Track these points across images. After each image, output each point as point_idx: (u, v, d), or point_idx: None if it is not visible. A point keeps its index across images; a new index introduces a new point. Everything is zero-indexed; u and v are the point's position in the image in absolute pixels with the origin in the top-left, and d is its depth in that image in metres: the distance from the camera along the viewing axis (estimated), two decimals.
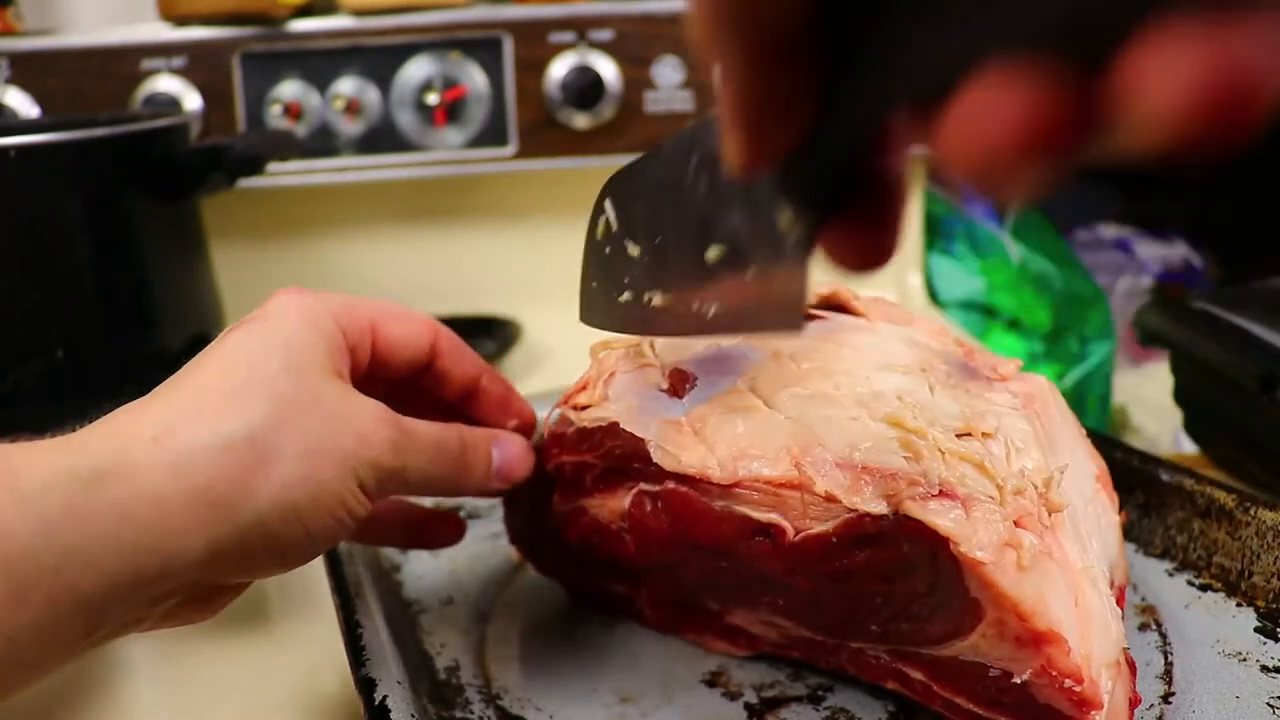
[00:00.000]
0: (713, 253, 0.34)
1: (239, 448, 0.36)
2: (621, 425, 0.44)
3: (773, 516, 0.41)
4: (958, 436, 0.40)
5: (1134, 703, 0.40)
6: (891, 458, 0.39)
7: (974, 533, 0.37)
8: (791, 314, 0.31)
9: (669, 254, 0.37)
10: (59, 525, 0.32)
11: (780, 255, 0.30)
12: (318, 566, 0.64)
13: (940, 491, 0.38)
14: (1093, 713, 0.37)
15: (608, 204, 0.41)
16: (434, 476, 0.42)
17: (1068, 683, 0.37)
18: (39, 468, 0.33)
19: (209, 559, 0.35)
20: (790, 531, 0.40)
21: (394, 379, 0.46)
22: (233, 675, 0.54)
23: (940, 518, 0.37)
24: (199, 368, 0.39)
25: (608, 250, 0.41)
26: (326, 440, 0.38)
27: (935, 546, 0.38)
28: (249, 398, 0.37)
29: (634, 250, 0.40)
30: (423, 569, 0.57)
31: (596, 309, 0.43)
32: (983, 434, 0.41)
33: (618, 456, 0.45)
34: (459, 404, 0.48)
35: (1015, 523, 0.38)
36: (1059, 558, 0.39)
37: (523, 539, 0.53)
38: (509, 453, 0.46)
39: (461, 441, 0.44)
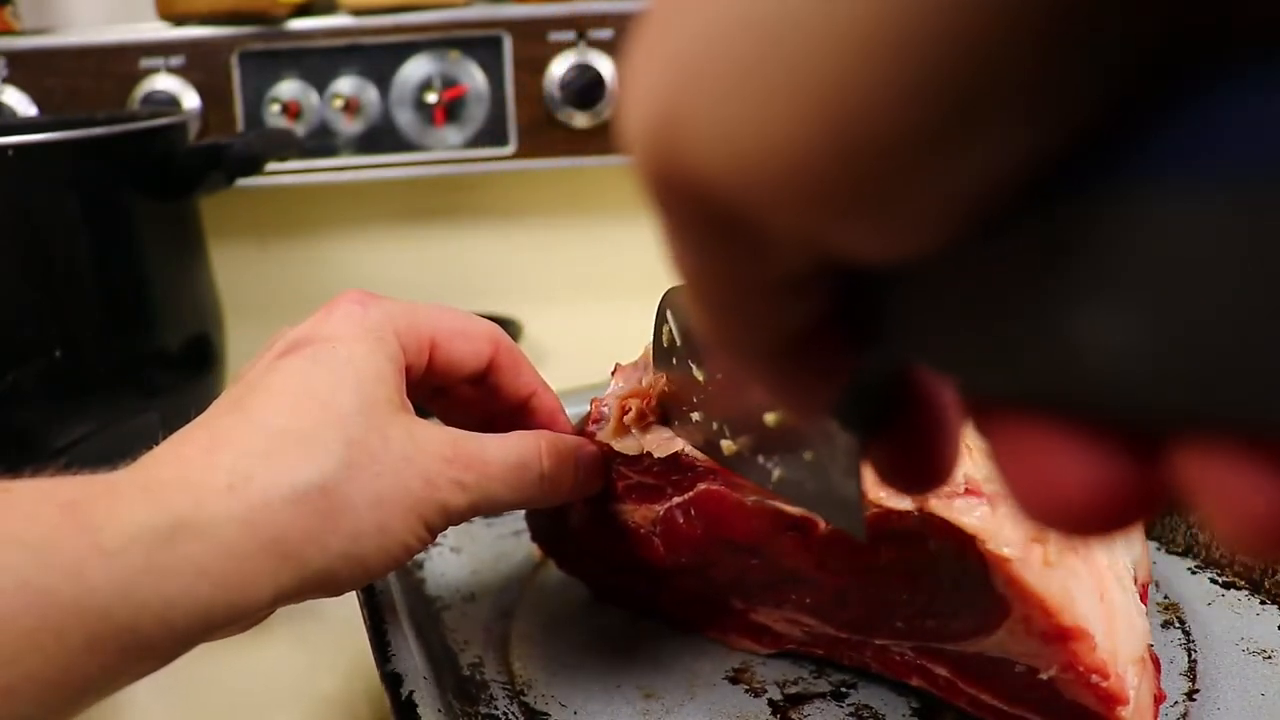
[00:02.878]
0: (770, 418, 0.31)
1: (313, 499, 0.35)
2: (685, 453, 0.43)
3: (803, 511, 0.41)
4: None
5: (1159, 699, 0.40)
6: None
7: (1000, 529, 0.37)
8: (851, 516, 0.27)
9: (728, 398, 0.35)
10: (139, 583, 0.32)
11: (833, 450, 0.27)
12: None
13: (966, 490, 0.38)
14: (1119, 708, 0.37)
15: (669, 315, 0.40)
16: (513, 502, 0.42)
17: (1094, 678, 0.37)
18: (120, 522, 0.32)
19: (273, 604, 0.35)
20: (820, 525, 0.40)
21: (446, 389, 0.45)
22: (232, 676, 0.54)
23: (966, 515, 0.37)
24: (269, 401, 0.37)
25: (674, 361, 0.40)
26: (396, 488, 0.37)
27: (961, 543, 0.38)
28: (322, 443, 0.36)
29: (699, 374, 0.38)
30: (445, 566, 0.57)
31: (673, 411, 0.43)
32: None
33: (656, 474, 0.44)
34: (506, 416, 0.46)
35: None
36: (1084, 554, 0.39)
37: (545, 537, 0.53)
38: (592, 464, 0.45)
39: (552, 457, 0.42)
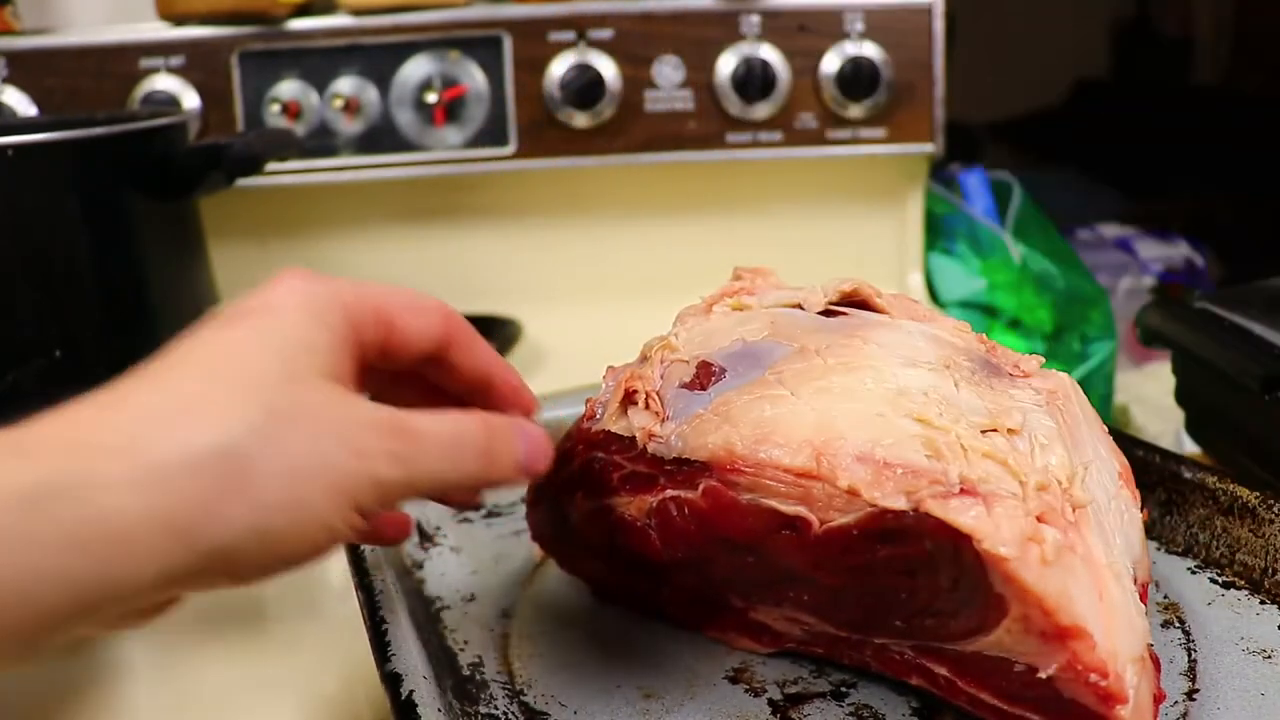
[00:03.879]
0: None
1: (215, 466, 0.32)
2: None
3: (799, 509, 0.41)
4: (983, 433, 0.40)
5: (1159, 699, 0.40)
6: (913, 455, 0.39)
7: (996, 528, 0.37)
8: None
9: None
10: (9, 557, 0.29)
11: None
12: (319, 568, 0.64)
13: (961, 489, 0.38)
14: (1118, 707, 0.37)
15: None
16: (452, 479, 0.38)
17: (1093, 677, 0.37)
18: None
19: (158, 584, 0.32)
20: (815, 524, 0.40)
21: (399, 370, 0.42)
22: (231, 677, 0.54)
23: (961, 515, 0.37)
24: (183, 363, 0.34)
25: None
26: (316, 458, 0.34)
27: (958, 543, 0.38)
28: (232, 408, 0.33)
29: None
30: (445, 566, 0.57)
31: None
32: (1008, 430, 0.41)
33: (648, 460, 0.44)
34: (465, 397, 0.44)
35: (1039, 518, 0.38)
36: (1083, 553, 0.39)
37: (545, 536, 0.53)
38: (535, 442, 0.41)
39: (487, 431, 0.39)
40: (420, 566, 0.57)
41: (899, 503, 0.38)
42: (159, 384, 0.33)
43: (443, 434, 0.38)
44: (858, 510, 0.39)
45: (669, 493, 0.44)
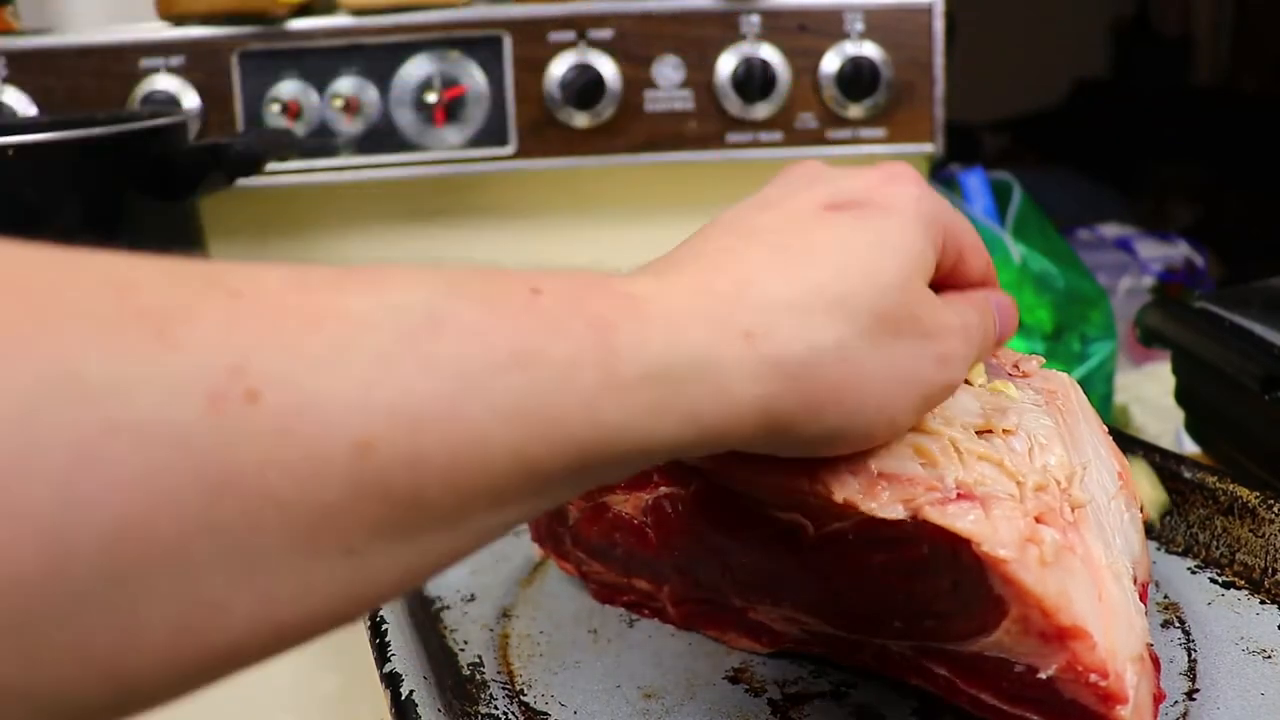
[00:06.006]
0: None
1: (829, 367, 0.32)
2: None
3: (793, 515, 0.41)
4: (978, 434, 0.40)
5: (1158, 699, 0.40)
6: (908, 463, 0.39)
7: (994, 531, 0.37)
8: None
9: None
10: (638, 425, 0.29)
11: None
12: None
13: (958, 494, 0.38)
14: (1118, 707, 0.37)
15: None
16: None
17: (1093, 677, 0.37)
18: (641, 353, 0.29)
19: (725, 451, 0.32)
20: (810, 529, 0.40)
21: None
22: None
23: (959, 520, 0.37)
24: (811, 255, 0.34)
25: None
26: (912, 369, 0.35)
27: (956, 547, 0.38)
28: (852, 310, 0.33)
29: None
30: None
31: None
32: (1004, 431, 0.41)
33: None
34: None
35: (1037, 519, 0.38)
36: (1082, 553, 0.38)
37: (545, 536, 0.53)
38: (1007, 310, 0.42)
39: (983, 312, 0.39)
40: None
41: (896, 512, 0.38)
42: (786, 267, 0.33)
43: (971, 326, 0.38)
44: (854, 517, 0.39)
45: (663, 490, 0.44)
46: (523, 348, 0.27)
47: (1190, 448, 0.76)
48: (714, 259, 0.34)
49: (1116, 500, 0.44)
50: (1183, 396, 0.72)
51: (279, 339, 0.24)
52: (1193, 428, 0.73)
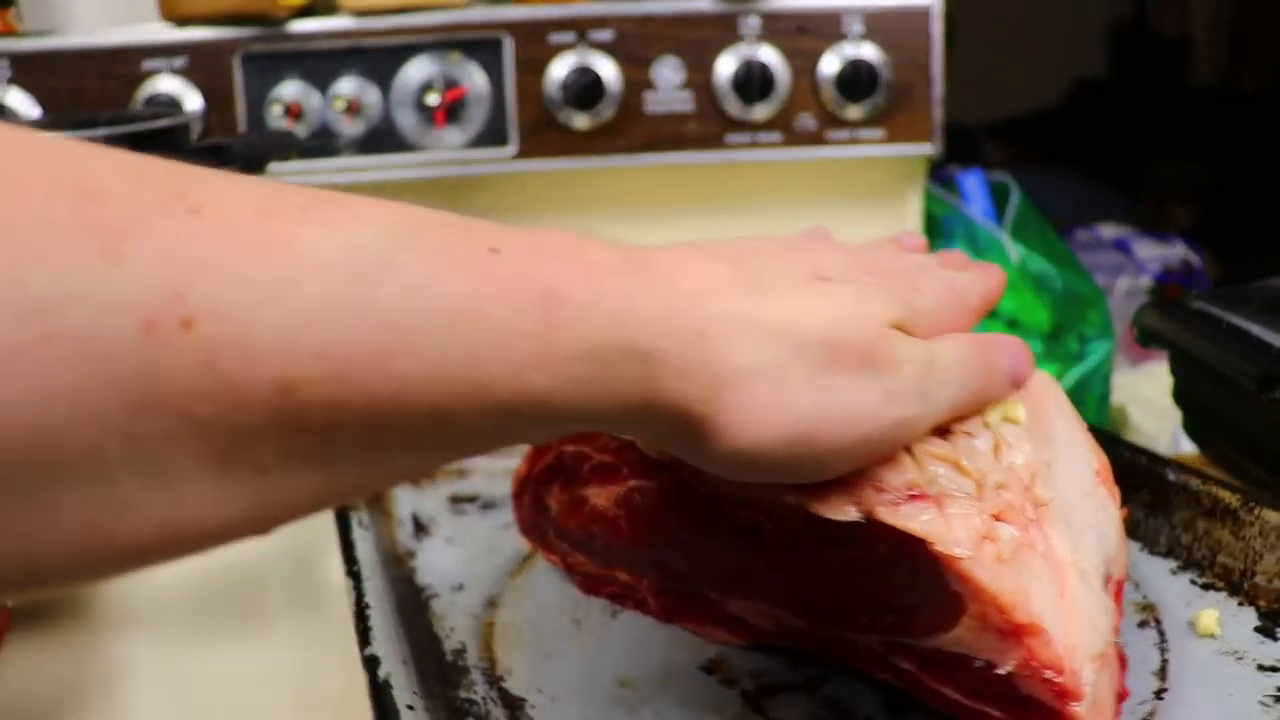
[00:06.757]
0: None
1: (758, 380, 0.33)
2: None
3: (752, 512, 0.41)
4: (938, 434, 0.40)
5: (1122, 696, 0.40)
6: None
7: (949, 530, 0.37)
8: None
9: None
10: (562, 395, 0.29)
11: None
12: (319, 565, 0.64)
13: (911, 495, 0.38)
14: (1073, 704, 0.37)
15: None
16: (960, 404, 0.39)
17: (1049, 673, 0.37)
18: (583, 326, 0.30)
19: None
20: (768, 527, 0.41)
21: None
22: (232, 675, 0.55)
23: (913, 520, 0.37)
24: (782, 287, 0.35)
25: None
26: (853, 404, 0.35)
27: (913, 546, 0.38)
28: (802, 337, 0.34)
29: None
30: (437, 557, 0.58)
31: None
32: (964, 433, 0.41)
33: (613, 449, 0.45)
34: None
35: (996, 516, 0.38)
36: (1044, 550, 0.39)
37: (532, 529, 0.54)
38: (1016, 351, 0.42)
39: (978, 347, 0.40)
40: (413, 556, 0.58)
41: (850, 514, 0.38)
42: (752, 294, 0.34)
43: (952, 356, 0.38)
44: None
45: (632, 482, 0.44)
46: (465, 307, 0.28)
47: (1188, 448, 0.76)
48: (691, 264, 0.34)
49: (1091, 497, 0.44)
50: (1180, 396, 0.72)
51: (224, 267, 0.25)
52: (1190, 428, 0.73)
